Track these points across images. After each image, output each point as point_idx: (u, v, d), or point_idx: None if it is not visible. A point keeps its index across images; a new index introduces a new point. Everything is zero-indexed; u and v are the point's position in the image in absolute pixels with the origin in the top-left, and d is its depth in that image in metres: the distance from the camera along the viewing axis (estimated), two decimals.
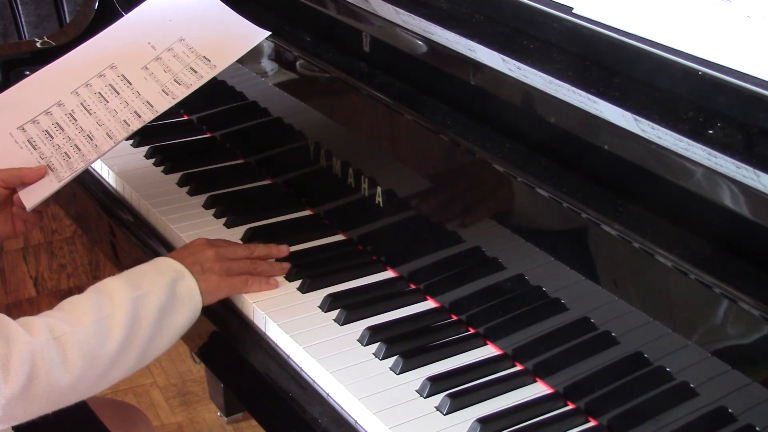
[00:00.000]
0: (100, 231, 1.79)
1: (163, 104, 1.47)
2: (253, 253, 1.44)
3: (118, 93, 1.50)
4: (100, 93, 1.51)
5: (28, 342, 1.17)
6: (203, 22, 1.57)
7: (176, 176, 1.73)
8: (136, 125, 1.46)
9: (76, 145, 1.46)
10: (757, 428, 1.01)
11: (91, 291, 1.28)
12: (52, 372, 1.18)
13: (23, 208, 1.44)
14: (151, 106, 1.48)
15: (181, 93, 1.48)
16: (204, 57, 1.50)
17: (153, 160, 1.80)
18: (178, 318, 1.30)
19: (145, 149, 1.83)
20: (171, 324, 1.30)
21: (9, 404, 1.16)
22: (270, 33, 1.51)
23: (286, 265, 1.45)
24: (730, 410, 1.03)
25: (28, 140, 1.49)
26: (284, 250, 1.48)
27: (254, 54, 1.68)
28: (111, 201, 1.73)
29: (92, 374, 1.22)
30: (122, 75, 1.53)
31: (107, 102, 1.50)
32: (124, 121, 1.47)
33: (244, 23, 1.54)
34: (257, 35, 1.52)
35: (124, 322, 1.24)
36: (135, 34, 1.59)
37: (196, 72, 1.49)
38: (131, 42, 1.58)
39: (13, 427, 1.36)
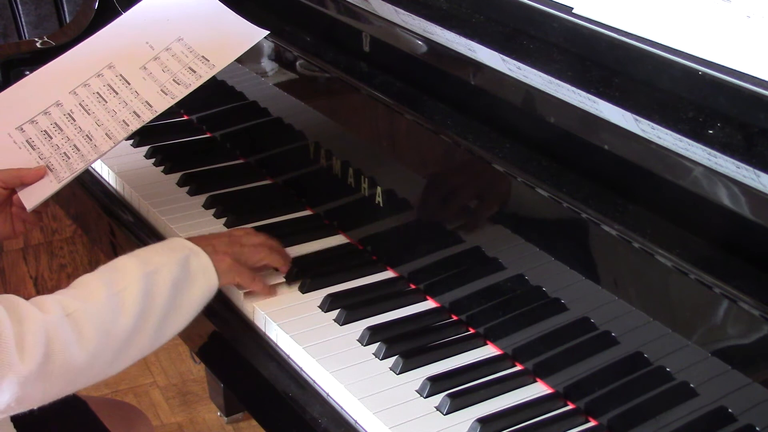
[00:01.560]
0: (100, 231, 1.79)
1: (162, 104, 1.47)
2: (267, 240, 1.43)
3: (116, 93, 1.50)
4: (98, 93, 1.51)
5: (42, 320, 1.16)
6: (201, 22, 1.57)
7: (176, 176, 1.73)
8: (135, 125, 1.46)
9: (75, 145, 1.46)
10: (757, 428, 1.01)
11: (103, 268, 1.28)
12: (67, 349, 1.17)
13: (23, 208, 1.44)
14: (150, 106, 1.47)
15: (180, 93, 1.48)
16: (203, 57, 1.50)
17: (153, 160, 1.80)
18: (193, 293, 1.30)
19: (145, 149, 1.83)
20: (186, 299, 1.29)
21: (27, 383, 1.14)
22: (268, 32, 1.51)
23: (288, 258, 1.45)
24: (730, 410, 1.03)
25: (27, 140, 1.49)
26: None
27: (254, 54, 1.68)
28: (111, 201, 1.73)
29: (108, 351, 1.22)
30: (120, 75, 1.53)
31: (106, 102, 1.50)
32: (123, 121, 1.47)
33: (242, 23, 1.54)
34: (255, 35, 1.51)
35: (137, 297, 1.23)
36: (133, 34, 1.59)
37: (194, 72, 1.49)
38: (129, 41, 1.58)
39: (15, 425, 1.36)
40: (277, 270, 1.44)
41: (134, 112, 1.47)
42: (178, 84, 1.48)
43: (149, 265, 1.27)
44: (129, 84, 1.51)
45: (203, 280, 1.31)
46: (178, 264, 1.29)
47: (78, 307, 1.20)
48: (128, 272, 1.26)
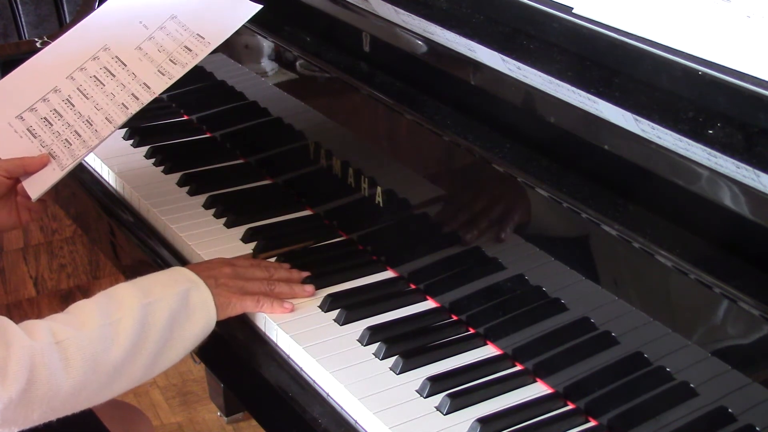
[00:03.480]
0: (100, 231, 1.79)
1: (160, 85, 1.46)
2: (272, 276, 1.40)
3: (113, 75, 1.49)
4: (95, 76, 1.50)
5: (29, 346, 1.15)
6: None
7: (176, 176, 1.73)
8: (134, 108, 1.45)
9: (76, 131, 1.45)
10: (757, 428, 1.01)
11: (101, 295, 1.26)
12: (52, 377, 1.15)
13: (27, 197, 1.44)
14: (148, 87, 1.46)
15: (177, 73, 1.46)
16: (197, 35, 1.48)
17: (153, 160, 1.80)
18: (191, 328, 1.28)
19: (145, 149, 1.83)
20: (182, 334, 1.27)
21: (7, 409, 1.13)
22: (261, 6, 1.49)
23: (310, 288, 1.40)
24: (730, 410, 1.03)
25: (28, 129, 1.48)
26: (304, 274, 1.43)
27: (254, 54, 1.68)
28: (111, 201, 1.73)
29: (95, 381, 1.20)
30: (116, 57, 1.51)
31: (104, 85, 1.48)
32: (122, 104, 1.45)
33: None
34: (248, 10, 1.49)
35: (131, 328, 1.22)
36: (125, 14, 1.56)
37: (190, 50, 1.47)
38: (122, 22, 1.55)
39: None
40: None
41: (132, 95, 1.46)
42: (175, 64, 1.47)
43: (148, 296, 1.25)
44: (125, 66, 1.49)
45: (202, 314, 1.29)
46: (178, 297, 1.27)
47: (69, 334, 1.18)
48: (125, 302, 1.24)
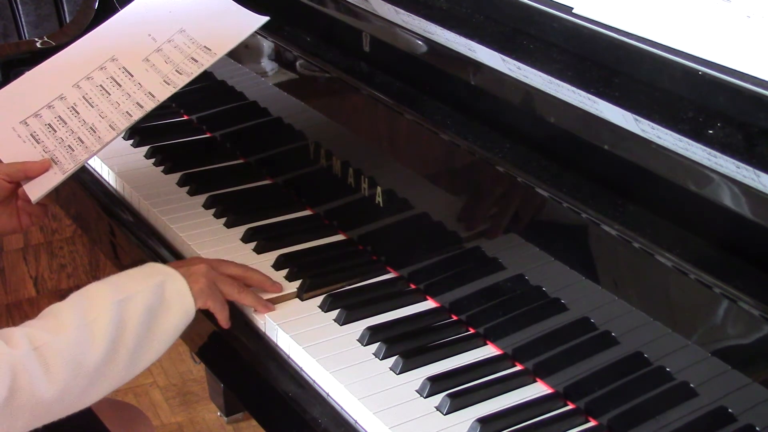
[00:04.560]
0: (100, 231, 1.79)
1: (164, 94, 1.47)
2: (246, 272, 1.39)
3: (119, 85, 1.50)
4: (101, 86, 1.51)
5: (8, 355, 1.13)
6: (203, 13, 1.56)
7: (176, 176, 1.73)
8: (138, 115, 1.46)
9: (79, 137, 1.46)
10: (757, 428, 1.01)
11: (75, 296, 1.24)
12: (34, 384, 1.14)
13: (28, 201, 1.44)
14: (153, 96, 1.47)
15: (182, 82, 1.47)
16: (205, 47, 1.50)
17: (153, 160, 1.80)
18: (169, 320, 1.26)
19: (145, 149, 1.83)
20: (161, 327, 1.25)
21: None
22: (268, 18, 1.50)
23: (272, 307, 1.38)
24: (730, 410, 1.03)
25: (31, 134, 1.49)
26: (278, 288, 1.41)
27: (254, 54, 1.68)
28: (111, 201, 1.73)
29: (78, 384, 1.18)
30: (123, 67, 1.52)
31: (109, 94, 1.49)
32: (127, 112, 1.47)
33: (242, 12, 1.53)
34: (255, 22, 1.51)
35: (108, 327, 1.20)
36: (135, 26, 1.59)
37: (196, 61, 1.48)
38: (132, 34, 1.57)
39: None
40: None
41: (137, 103, 1.47)
42: (180, 74, 1.48)
43: (122, 292, 1.23)
44: (132, 76, 1.50)
45: (179, 305, 1.27)
46: (153, 290, 1.25)
47: (46, 340, 1.16)
48: (99, 300, 1.22)
